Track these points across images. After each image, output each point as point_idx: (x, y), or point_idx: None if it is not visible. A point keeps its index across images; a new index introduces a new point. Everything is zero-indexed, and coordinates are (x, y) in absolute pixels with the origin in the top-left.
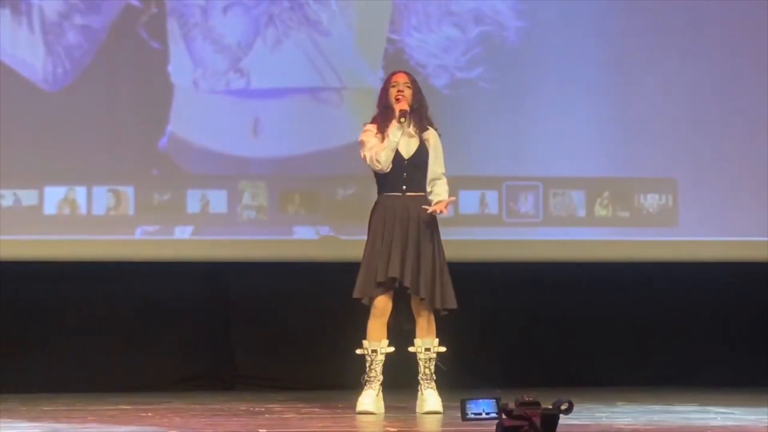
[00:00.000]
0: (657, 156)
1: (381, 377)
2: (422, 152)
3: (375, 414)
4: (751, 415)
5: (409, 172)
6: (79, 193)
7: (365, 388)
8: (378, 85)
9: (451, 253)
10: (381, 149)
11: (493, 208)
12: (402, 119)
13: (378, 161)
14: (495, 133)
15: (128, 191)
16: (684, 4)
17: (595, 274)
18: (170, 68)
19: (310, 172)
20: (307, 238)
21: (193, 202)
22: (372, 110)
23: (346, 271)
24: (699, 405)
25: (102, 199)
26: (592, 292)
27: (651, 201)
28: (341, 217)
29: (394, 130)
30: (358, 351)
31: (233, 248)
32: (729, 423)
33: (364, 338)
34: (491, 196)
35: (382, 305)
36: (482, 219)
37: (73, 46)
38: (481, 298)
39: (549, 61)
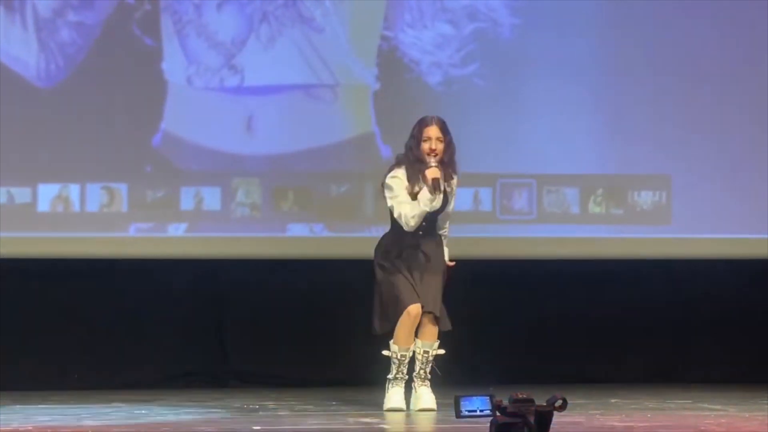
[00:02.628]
0: (651, 153)
1: (406, 376)
2: (444, 204)
3: (404, 411)
4: (744, 413)
5: (428, 221)
6: (73, 190)
7: (392, 385)
8: (371, 82)
9: None
10: (413, 213)
11: (486, 205)
12: (437, 191)
13: (408, 225)
14: (489, 130)
15: (122, 188)
16: (679, 1)
17: (589, 271)
18: (164, 65)
19: (303, 169)
20: (301, 235)
21: (186, 199)
22: (366, 108)
23: (339, 268)
24: (693, 402)
25: (95, 196)
26: (585, 289)
27: (645, 198)
28: (335, 214)
29: (425, 197)
30: (385, 352)
31: (227, 245)
32: (723, 420)
33: (392, 340)
34: (485, 193)
35: (416, 312)
36: (476, 216)
37: (66, 42)
38: (475, 295)
39: (543, 58)
